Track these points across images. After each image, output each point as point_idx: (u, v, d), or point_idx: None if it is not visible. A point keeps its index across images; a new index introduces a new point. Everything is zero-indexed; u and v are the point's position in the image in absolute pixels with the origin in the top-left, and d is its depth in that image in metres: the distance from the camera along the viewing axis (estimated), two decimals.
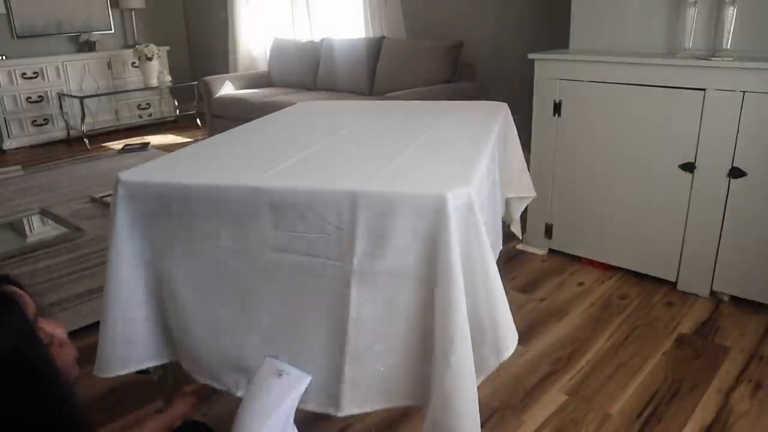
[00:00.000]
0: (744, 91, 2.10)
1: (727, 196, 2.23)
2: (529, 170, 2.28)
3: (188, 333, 1.41)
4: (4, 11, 5.25)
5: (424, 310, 1.21)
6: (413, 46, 4.15)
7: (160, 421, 1.12)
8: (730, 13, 2.18)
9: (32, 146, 5.45)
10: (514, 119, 2.18)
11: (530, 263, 2.76)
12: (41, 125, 5.49)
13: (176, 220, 1.36)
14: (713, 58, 2.17)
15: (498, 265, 1.25)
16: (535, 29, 3.73)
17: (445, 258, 1.15)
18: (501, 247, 1.76)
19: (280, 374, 0.83)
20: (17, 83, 5.28)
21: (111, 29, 5.95)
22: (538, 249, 2.86)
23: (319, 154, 1.57)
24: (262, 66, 5.56)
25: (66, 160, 4.92)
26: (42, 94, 5.43)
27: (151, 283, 1.42)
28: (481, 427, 1.70)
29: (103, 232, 3.07)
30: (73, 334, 1.54)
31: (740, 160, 2.17)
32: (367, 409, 1.29)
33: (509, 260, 2.77)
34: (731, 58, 2.14)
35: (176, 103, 6.18)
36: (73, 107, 5.55)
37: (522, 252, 2.86)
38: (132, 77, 5.95)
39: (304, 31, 5.23)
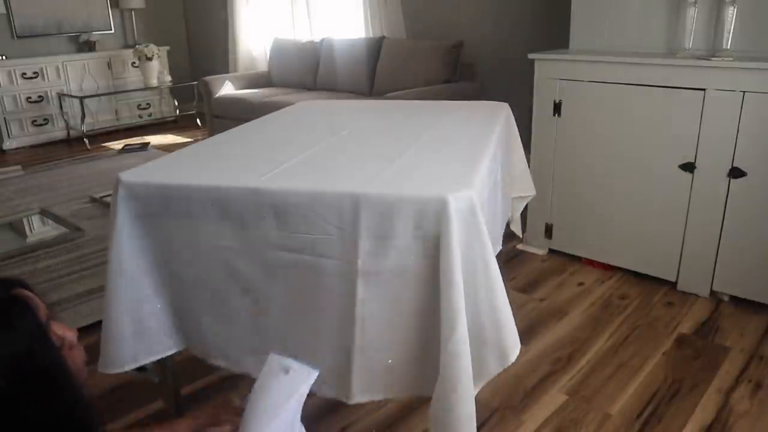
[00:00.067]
0: (744, 91, 2.10)
1: (727, 196, 2.23)
2: (528, 169, 2.28)
3: (201, 325, 1.43)
4: (4, 11, 5.25)
5: (427, 307, 1.21)
6: (413, 46, 4.15)
7: (189, 427, 1.12)
8: (730, 13, 2.18)
9: (32, 146, 5.45)
10: (514, 119, 2.18)
11: (530, 263, 2.76)
12: (41, 125, 5.49)
13: (177, 220, 1.36)
14: (713, 58, 2.17)
15: (497, 265, 1.25)
16: (535, 29, 3.73)
17: (446, 260, 1.15)
18: (501, 247, 1.76)
19: (287, 371, 0.83)
20: (17, 83, 5.28)
21: (111, 29, 5.95)
22: (538, 249, 2.86)
23: (319, 154, 1.57)
24: (262, 66, 5.56)
25: (66, 160, 4.92)
26: (42, 94, 5.43)
27: (156, 280, 1.42)
28: (481, 427, 1.71)
29: (103, 232, 3.07)
30: None
31: (740, 160, 2.17)
32: (376, 398, 1.33)
33: (509, 260, 2.77)
34: (731, 58, 2.14)
35: (176, 103, 6.18)
36: (73, 107, 5.55)
37: (522, 252, 2.87)
38: (132, 77, 5.95)
39: (304, 31, 5.23)
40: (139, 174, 1.43)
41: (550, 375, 1.94)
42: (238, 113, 4.47)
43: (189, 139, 5.52)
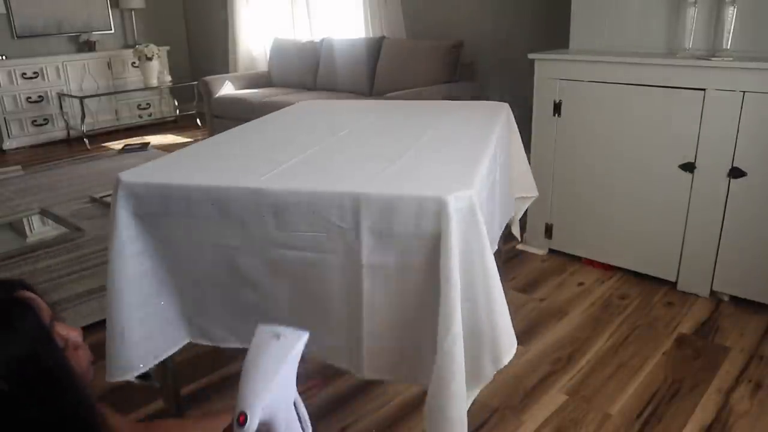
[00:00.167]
0: (744, 91, 2.10)
1: (727, 196, 2.23)
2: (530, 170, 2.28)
3: (208, 316, 1.45)
4: (4, 11, 5.25)
5: (428, 304, 1.22)
6: (413, 46, 4.15)
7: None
8: (730, 13, 2.18)
9: (32, 146, 5.45)
10: (514, 119, 2.18)
11: (530, 263, 2.76)
12: (41, 125, 5.49)
13: (177, 220, 1.37)
14: (713, 58, 2.17)
15: (496, 265, 1.26)
16: (535, 29, 3.73)
17: (445, 259, 1.15)
18: (498, 246, 1.76)
19: (278, 337, 0.83)
20: (17, 83, 5.28)
21: (111, 29, 5.95)
22: (538, 249, 2.86)
23: (319, 155, 1.57)
24: (262, 66, 5.55)
25: (66, 160, 4.92)
26: (42, 94, 5.43)
27: (157, 279, 1.42)
28: (481, 427, 1.71)
29: (103, 232, 3.07)
30: None
31: (740, 160, 2.17)
32: (385, 378, 1.38)
33: (509, 260, 2.77)
34: (731, 58, 2.14)
35: (176, 103, 6.18)
36: (73, 107, 5.55)
37: (522, 252, 2.87)
38: (132, 77, 5.95)
39: (304, 31, 5.22)
40: (139, 174, 1.43)
41: (550, 375, 1.94)
42: (238, 113, 4.47)
43: (189, 139, 5.52)
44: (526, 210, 2.33)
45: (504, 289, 1.26)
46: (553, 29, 3.18)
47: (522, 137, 2.23)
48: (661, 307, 2.34)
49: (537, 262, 2.77)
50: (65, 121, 5.56)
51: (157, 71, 5.65)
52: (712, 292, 2.38)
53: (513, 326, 1.29)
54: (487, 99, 2.97)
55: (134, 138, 5.56)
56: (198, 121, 5.99)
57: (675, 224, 2.38)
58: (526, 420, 1.74)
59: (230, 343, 1.48)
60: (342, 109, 2.45)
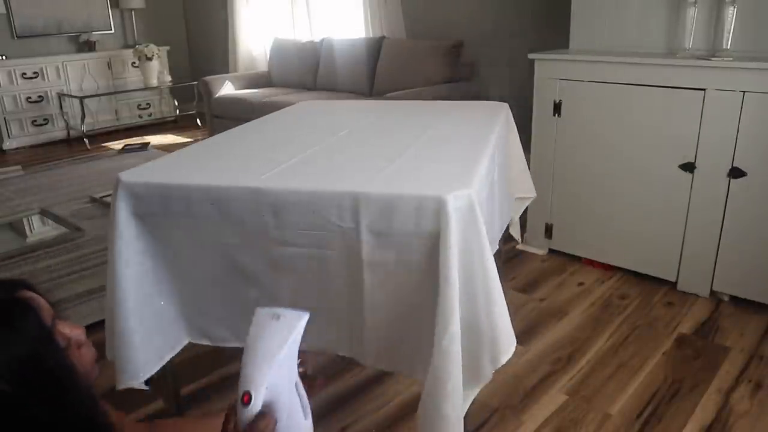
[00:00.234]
0: (744, 91, 2.10)
1: (727, 196, 2.23)
2: (529, 170, 2.28)
3: (208, 316, 1.45)
4: (4, 11, 5.25)
5: (427, 302, 1.22)
6: (413, 46, 4.15)
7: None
8: (730, 13, 2.18)
9: (32, 146, 5.45)
10: (514, 119, 2.18)
11: (530, 263, 2.76)
12: (41, 125, 5.49)
13: (177, 219, 1.37)
14: (713, 58, 2.17)
15: (496, 265, 1.26)
16: (535, 29, 3.73)
17: (444, 258, 1.15)
18: (498, 246, 1.76)
19: (278, 318, 0.83)
20: (17, 83, 5.28)
21: (111, 29, 5.95)
22: (538, 249, 2.86)
23: (319, 154, 1.57)
24: (262, 66, 5.56)
25: (66, 160, 4.92)
26: (42, 94, 5.43)
27: (158, 278, 1.42)
28: (481, 427, 1.71)
29: (103, 232, 3.07)
30: None
31: (740, 160, 2.17)
32: (388, 369, 1.39)
33: (509, 260, 2.77)
34: (731, 58, 2.14)
35: (176, 103, 6.18)
36: (73, 107, 5.55)
37: (522, 252, 2.87)
38: (132, 77, 5.95)
39: (304, 31, 5.23)
40: (139, 174, 1.43)
41: (550, 375, 1.94)
42: (238, 113, 4.47)
43: (189, 139, 5.52)
44: (526, 210, 2.33)
45: (504, 289, 1.26)
46: (553, 29, 3.18)
47: (522, 137, 2.23)
48: (661, 307, 2.34)
49: (537, 262, 2.77)
50: (65, 121, 5.56)
51: (157, 71, 5.65)
52: (712, 292, 2.38)
53: (513, 326, 1.29)
54: (487, 99, 2.98)
55: (134, 138, 5.56)
56: (198, 121, 5.99)
57: (675, 224, 2.38)
58: (526, 420, 1.74)
59: (230, 343, 1.48)
60: (342, 109, 2.45)
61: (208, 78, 4.94)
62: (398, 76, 4.10)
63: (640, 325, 2.22)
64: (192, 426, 1.24)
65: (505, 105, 2.16)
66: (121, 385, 1.40)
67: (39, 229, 3.38)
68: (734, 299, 2.34)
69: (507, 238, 2.30)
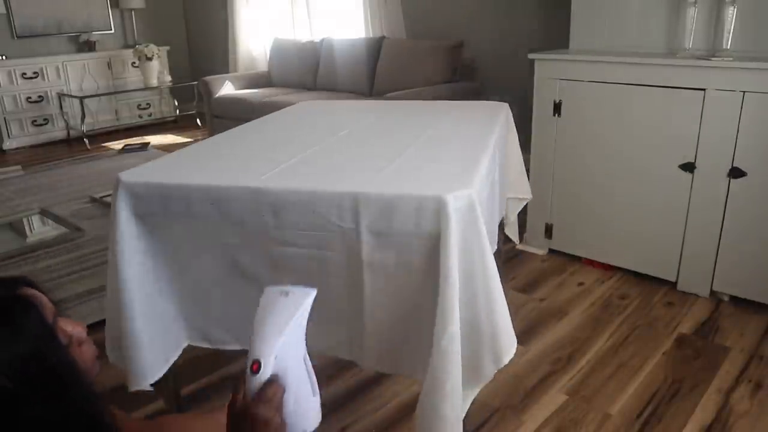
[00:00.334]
0: (744, 91, 2.10)
1: (727, 196, 2.23)
2: (528, 170, 2.28)
3: (210, 317, 1.45)
4: (4, 11, 5.25)
5: (428, 300, 1.22)
6: (413, 46, 4.15)
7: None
8: (730, 13, 2.18)
9: (32, 146, 5.45)
10: (513, 119, 2.18)
11: (530, 263, 2.76)
12: (41, 125, 5.49)
13: (177, 219, 1.37)
14: (713, 58, 2.17)
15: (497, 265, 1.25)
16: (535, 29, 3.73)
17: (444, 258, 1.15)
18: (497, 246, 1.76)
19: (286, 294, 0.87)
20: (17, 83, 5.28)
21: (111, 29, 5.95)
22: (538, 249, 2.86)
23: (319, 154, 1.57)
24: (262, 66, 5.56)
25: (66, 160, 4.92)
26: (42, 94, 5.43)
27: (159, 278, 1.42)
28: (481, 426, 1.71)
29: (103, 232, 3.07)
30: None
31: (740, 160, 2.17)
32: (387, 371, 1.38)
33: (509, 260, 2.77)
34: (731, 58, 2.14)
35: (176, 103, 6.19)
36: (73, 107, 5.55)
37: (522, 252, 2.87)
38: (132, 77, 5.95)
39: (304, 31, 5.23)
40: (139, 174, 1.43)
41: (550, 375, 1.94)
42: (238, 113, 4.47)
43: (189, 139, 5.52)
44: (526, 210, 2.34)
45: (504, 289, 1.26)
46: (553, 29, 3.19)
47: (522, 137, 2.23)
48: (661, 307, 2.34)
49: (537, 262, 2.77)
50: (65, 121, 5.56)
51: (157, 71, 5.65)
52: (712, 292, 2.38)
53: (513, 326, 1.29)
54: (487, 99, 2.98)
55: (134, 138, 5.56)
56: (198, 121, 5.99)
57: (675, 224, 2.38)
58: (526, 420, 1.74)
59: (229, 345, 1.48)
60: (342, 109, 2.45)
61: (208, 78, 4.94)
62: (398, 76, 4.10)
63: (640, 325, 2.22)
64: (195, 421, 1.23)
65: (505, 105, 2.16)
66: (133, 387, 1.40)
67: (39, 229, 3.38)
68: (734, 299, 2.34)
69: (507, 238, 2.31)
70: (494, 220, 1.66)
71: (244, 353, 0.86)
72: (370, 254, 1.23)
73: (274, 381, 0.81)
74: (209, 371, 1.97)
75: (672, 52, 2.38)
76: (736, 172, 2.19)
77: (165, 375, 1.62)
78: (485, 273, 1.21)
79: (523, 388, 1.88)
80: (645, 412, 1.76)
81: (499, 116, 1.99)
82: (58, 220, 3.42)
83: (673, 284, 2.46)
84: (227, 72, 5.69)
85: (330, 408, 1.79)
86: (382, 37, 4.38)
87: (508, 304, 1.27)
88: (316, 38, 4.92)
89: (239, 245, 1.35)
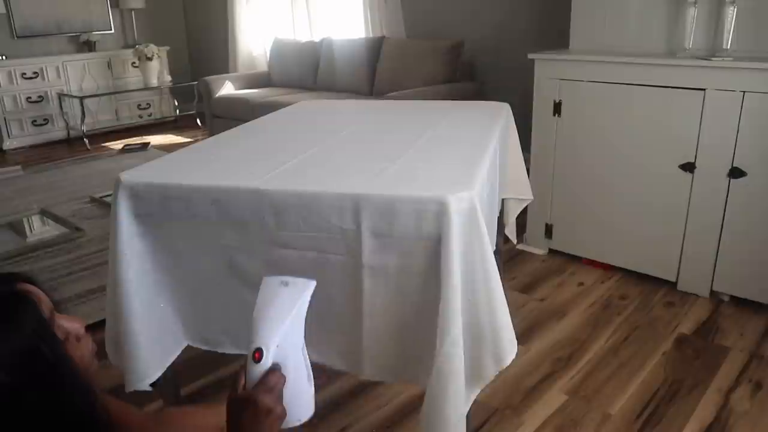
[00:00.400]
0: (744, 91, 2.10)
1: (727, 196, 2.23)
2: (529, 170, 2.28)
3: (209, 319, 1.45)
4: (4, 11, 5.25)
5: (428, 305, 1.21)
6: (413, 46, 4.15)
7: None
8: (730, 13, 2.18)
9: (32, 146, 5.45)
10: (514, 119, 2.18)
11: (530, 263, 2.76)
12: (41, 125, 5.49)
13: (177, 220, 1.37)
14: (713, 58, 2.17)
15: (497, 266, 1.25)
16: (535, 29, 3.73)
17: (446, 261, 1.15)
18: (495, 247, 1.76)
19: (286, 284, 0.88)
20: (17, 83, 5.28)
21: (111, 29, 5.95)
22: (538, 249, 2.86)
23: (320, 155, 1.57)
24: (262, 66, 5.56)
25: (66, 160, 4.92)
26: (42, 94, 5.43)
27: (158, 279, 1.42)
28: (481, 426, 1.71)
29: (103, 232, 3.07)
30: None
31: (740, 160, 2.17)
32: (385, 380, 1.38)
33: (509, 260, 2.77)
34: (731, 58, 2.14)
35: (176, 103, 6.19)
36: (73, 107, 5.55)
37: (522, 252, 2.87)
38: (132, 77, 5.95)
39: (304, 31, 5.23)
40: (139, 174, 1.43)
41: (550, 375, 1.94)
42: (238, 113, 4.47)
43: (189, 139, 5.52)
44: (526, 210, 2.33)
45: (504, 289, 1.26)
46: (553, 29, 3.19)
47: (522, 137, 2.23)
48: (661, 307, 2.34)
49: (537, 262, 2.77)
50: (65, 121, 5.56)
51: (157, 71, 5.66)
52: (712, 292, 2.38)
53: (513, 326, 1.29)
54: (487, 99, 2.98)
55: (134, 138, 5.56)
56: (198, 121, 5.99)
57: (675, 224, 2.38)
58: (526, 420, 1.74)
59: (227, 349, 1.47)
60: (342, 109, 2.45)
61: (208, 78, 4.94)
62: (398, 76, 4.10)
63: (640, 325, 2.22)
64: (196, 413, 1.23)
65: (506, 105, 2.16)
66: (130, 388, 1.40)
67: (39, 229, 3.38)
68: (734, 299, 2.34)
69: (507, 238, 2.31)
70: (493, 221, 1.66)
71: (243, 354, 0.86)
72: (370, 257, 1.23)
73: (275, 370, 0.82)
74: (209, 371, 1.97)
75: (672, 52, 2.38)
76: (736, 172, 2.19)
77: (165, 375, 1.62)
78: (486, 275, 1.21)
79: (523, 388, 1.88)
80: (645, 412, 1.76)
81: (499, 116, 1.99)
82: (58, 220, 3.42)
83: (673, 284, 2.46)
84: (227, 72, 5.69)
85: (330, 408, 1.79)
86: (382, 37, 4.38)
87: (508, 304, 1.27)
88: (316, 38, 4.92)
89: (239, 247, 1.34)
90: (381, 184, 1.28)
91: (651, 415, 1.75)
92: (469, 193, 1.18)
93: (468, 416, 1.26)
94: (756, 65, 2.06)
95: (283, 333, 0.83)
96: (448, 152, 1.56)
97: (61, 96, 5.49)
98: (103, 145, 5.45)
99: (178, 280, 1.43)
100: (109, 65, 5.83)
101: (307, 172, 1.42)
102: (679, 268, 2.42)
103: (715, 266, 2.33)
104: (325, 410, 1.78)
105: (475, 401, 1.32)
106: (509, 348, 1.26)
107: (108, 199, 3.55)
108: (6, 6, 5.24)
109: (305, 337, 0.89)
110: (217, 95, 4.86)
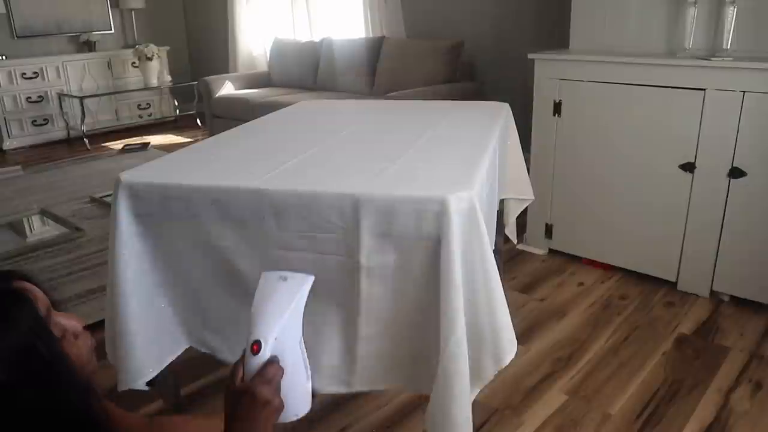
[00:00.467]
0: (744, 91, 2.10)
1: (727, 196, 2.23)
2: (529, 170, 2.28)
3: (205, 322, 1.44)
4: (4, 11, 5.25)
5: (427, 306, 1.21)
6: (413, 46, 4.15)
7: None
8: (730, 13, 2.18)
9: (32, 146, 5.45)
10: (514, 119, 2.18)
11: (530, 263, 2.76)
12: (41, 125, 5.49)
13: (177, 220, 1.37)
14: (713, 58, 2.17)
15: (496, 266, 1.25)
16: (535, 29, 3.73)
17: (446, 261, 1.15)
18: (494, 246, 1.76)
19: (285, 279, 0.90)
20: (17, 83, 5.28)
21: (111, 29, 5.95)
22: (538, 249, 2.86)
23: (320, 155, 1.57)
24: (262, 66, 5.55)
25: (66, 160, 4.92)
26: (42, 94, 5.43)
27: (158, 279, 1.42)
28: (481, 427, 1.71)
29: (103, 232, 3.07)
30: None
31: (740, 160, 2.17)
32: (376, 388, 1.35)
33: (509, 260, 2.77)
34: (731, 58, 2.14)
35: (176, 103, 6.18)
36: (73, 107, 5.55)
37: (522, 252, 2.87)
38: (132, 77, 5.95)
39: (304, 31, 5.23)
40: (139, 174, 1.43)
41: (550, 375, 1.94)
42: (238, 113, 4.47)
43: (189, 139, 5.52)
44: (526, 210, 2.33)
45: (504, 289, 1.26)
46: (553, 29, 3.19)
47: (522, 137, 2.22)
48: (661, 307, 2.34)
49: (537, 262, 2.77)
50: (65, 121, 5.56)
51: (157, 71, 5.65)
52: (712, 292, 2.38)
53: (513, 326, 1.29)
54: (487, 99, 2.97)
55: (134, 138, 5.56)
56: (198, 121, 5.99)
57: (675, 224, 2.38)
58: (526, 420, 1.74)
59: (222, 355, 1.45)
60: (342, 109, 2.45)
61: (208, 78, 4.94)
62: (398, 76, 4.10)
63: (640, 325, 2.22)
64: (187, 424, 1.23)
65: (506, 105, 2.16)
66: (123, 387, 1.40)
67: (39, 229, 3.38)
68: (734, 299, 2.34)
69: (507, 238, 2.31)
70: (492, 221, 1.66)
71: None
72: (370, 257, 1.22)
73: (273, 362, 0.83)
74: (209, 371, 1.97)
75: (672, 52, 2.38)
76: (736, 172, 2.19)
77: (164, 375, 1.62)
78: (486, 274, 1.21)
79: (523, 388, 1.88)
80: (645, 412, 1.76)
81: (499, 116, 1.99)
82: (58, 220, 3.42)
83: (673, 284, 2.46)
84: (227, 72, 5.69)
85: (330, 408, 1.79)
86: (382, 37, 4.38)
87: (508, 304, 1.27)
88: (316, 38, 4.92)
89: (238, 248, 1.34)
90: (381, 184, 1.28)
91: (651, 415, 1.75)
92: (468, 193, 1.18)
93: None
94: (756, 65, 2.06)
95: (282, 326, 0.84)
96: (448, 152, 1.56)
97: (61, 96, 5.49)
98: (103, 145, 5.45)
99: (178, 280, 1.43)
100: (109, 65, 5.83)
101: (307, 172, 1.42)
102: (679, 268, 2.42)
103: (715, 266, 2.33)
104: (325, 410, 1.78)
105: (475, 401, 1.32)
106: (509, 348, 1.26)
107: (108, 199, 3.55)
108: (6, 6, 5.24)
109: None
110: (217, 95, 4.85)
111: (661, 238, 2.44)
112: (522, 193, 2.20)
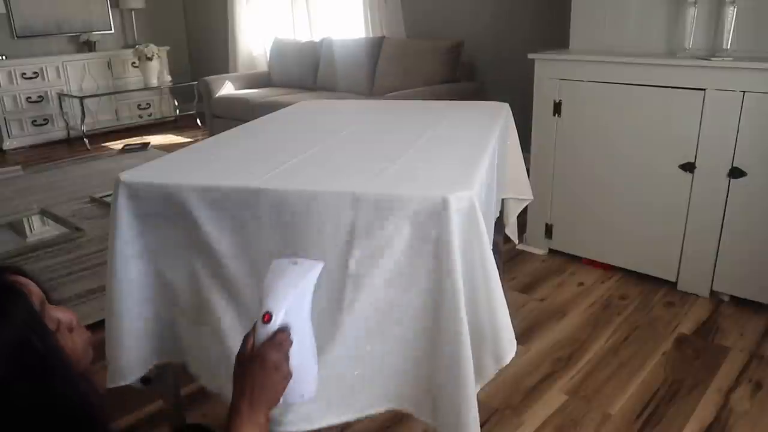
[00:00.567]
0: (744, 91, 2.10)
1: (727, 196, 2.23)
2: (529, 170, 2.28)
3: (195, 334, 1.42)
4: (4, 11, 5.25)
5: (423, 312, 1.20)
6: (413, 46, 4.15)
7: None
8: (730, 13, 2.18)
9: (32, 146, 5.45)
10: (514, 119, 2.18)
11: (530, 263, 2.76)
12: (41, 125, 5.49)
13: (176, 220, 1.36)
14: (713, 58, 2.17)
15: (496, 266, 1.25)
16: (535, 29, 3.73)
17: (447, 261, 1.15)
18: (493, 246, 1.76)
19: (295, 263, 0.94)
20: (17, 83, 5.28)
21: (111, 29, 5.95)
22: (538, 249, 2.86)
23: (320, 155, 1.57)
24: (262, 66, 5.56)
25: (66, 160, 4.92)
26: (42, 94, 5.43)
27: (157, 280, 1.42)
28: (481, 427, 1.70)
29: (103, 232, 3.07)
30: None
31: (740, 160, 2.17)
32: (368, 412, 1.31)
33: (509, 260, 2.77)
34: (731, 58, 2.14)
35: (176, 103, 6.19)
36: (73, 107, 5.55)
37: (522, 252, 2.87)
38: (132, 77, 5.95)
39: (304, 31, 5.23)
40: (139, 174, 1.43)
41: (550, 375, 1.94)
42: (238, 113, 4.48)
43: (189, 139, 5.52)
44: (526, 210, 2.33)
45: (504, 289, 1.26)
46: (553, 29, 3.19)
47: (522, 137, 2.22)
48: (661, 307, 2.34)
49: (537, 262, 2.77)
50: (65, 121, 5.56)
51: (157, 71, 5.66)
52: (712, 292, 2.38)
53: (513, 326, 1.29)
54: (487, 99, 2.97)
55: (134, 138, 5.56)
56: (198, 121, 5.99)
57: (675, 224, 2.38)
58: (526, 420, 1.74)
59: (202, 380, 1.39)
60: (342, 109, 2.45)
61: (208, 78, 4.94)
62: (398, 76, 4.10)
63: (640, 325, 2.22)
64: None
65: (506, 105, 2.16)
66: (110, 384, 1.40)
67: (39, 229, 3.38)
68: (734, 299, 2.34)
69: (506, 238, 2.30)
70: (491, 221, 1.66)
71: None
72: (361, 263, 1.21)
73: (284, 330, 0.86)
74: None
75: (672, 52, 2.38)
76: (736, 172, 2.19)
77: (165, 375, 1.62)
78: (486, 274, 1.21)
79: (523, 388, 1.88)
80: (645, 412, 1.76)
81: (499, 116, 1.99)
82: (58, 220, 3.42)
83: (673, 284, 2.46)
84: (227, 72, 5.69)
85: None
86: (382, 37, 4.38)
87: (508, 304, 1.27)
88: (316, 38, 4.92)
89: (235, 253, 1.32)
90: (381, 184, 1.27)
91: (651, 415, 1.75)
92: (468, 193, 1.18)
93: None
94: (756, 65, 2.06)
95: (291, 302, 0.87)
96: (448, 152, 1.56)
97: (61, 96, 5.49)
98: (103, 145, 5.45)
99: (177, 281, 1.43)
100: (109, 65, 5.83)
101: (307, 172, 1.41)
102: (679, 268, 2.43)
103: (715, 266, 2.33)
104: None
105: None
106: (509, 348, 1.26)
107: (108, 199, 3.55)
108: (6, 6, 5.24)
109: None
110: (217, 95, 4.86)
111: (661, 238, 2.44)
112: (521, 192, 2.19)
